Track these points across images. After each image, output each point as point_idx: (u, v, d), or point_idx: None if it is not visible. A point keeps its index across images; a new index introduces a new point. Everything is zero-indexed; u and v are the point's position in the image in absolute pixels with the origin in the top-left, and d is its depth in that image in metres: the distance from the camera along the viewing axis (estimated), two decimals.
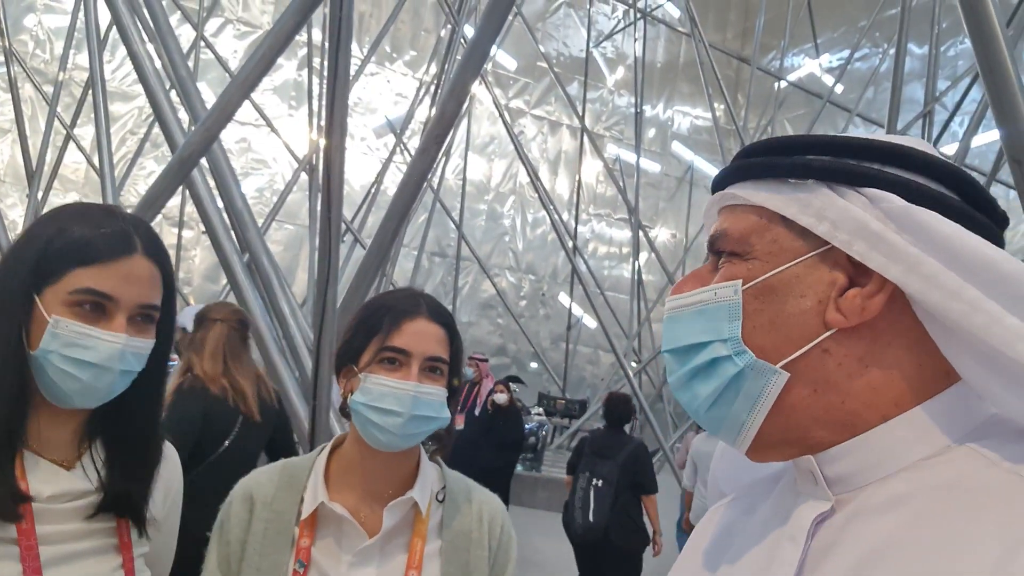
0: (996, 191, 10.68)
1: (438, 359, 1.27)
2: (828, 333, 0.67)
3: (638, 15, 16.85)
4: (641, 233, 15.54)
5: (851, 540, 0.63)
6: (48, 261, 1.03)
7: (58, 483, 1.07)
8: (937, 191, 0.66)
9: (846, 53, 20.27)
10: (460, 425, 8.45)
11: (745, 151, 0.77)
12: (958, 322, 0.61)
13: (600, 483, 5.09)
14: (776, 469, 0.83)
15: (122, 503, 1.12)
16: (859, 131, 22.07)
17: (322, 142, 2.76)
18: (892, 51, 7.80)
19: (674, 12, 22.36)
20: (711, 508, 0.89)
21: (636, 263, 15.45)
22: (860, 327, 0.66)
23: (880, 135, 0.73)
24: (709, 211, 0.80)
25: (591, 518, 5.01)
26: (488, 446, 8.19)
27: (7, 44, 12.55)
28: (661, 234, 23.88)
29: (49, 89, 15.17)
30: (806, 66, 23.76)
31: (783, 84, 17.91)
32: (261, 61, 3.02)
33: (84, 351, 1.02)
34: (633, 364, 15.46)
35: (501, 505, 1.40)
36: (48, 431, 1.09)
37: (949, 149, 11.30)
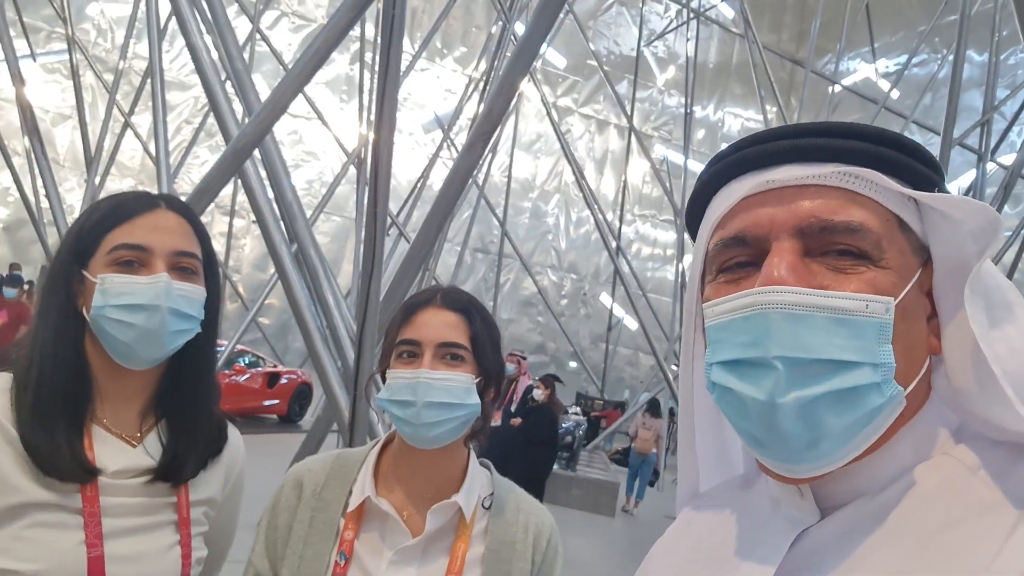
0: None
1: (451, 344, 1.23)
2: (928, 360, 0.63)
3: (691, 14, 16.66)
4: (686, 235, 15.36)
5: (835, 549, 0.62)
6: (85, 236, 1.14)
7: (123, 459, 1.14)
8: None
9: (903, 58, 19.82)
10: (497, 421, 8.45)
11: (863, 132, 0.63)
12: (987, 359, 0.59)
13: None
14: (746, 470, 0.81)
15: (170, 469, 1.17)
16: (915, 138, 21.49)
17: (371, 136, 2.80)
18: (951, 58, 7.62)
19: (728, 12, 22.10)
20: (682, 510, 0.85)
21: (680, 265, 15.31)
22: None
23: None
24: (785, 188, 0.64)
25: None
26: (519, 444, 8.19)
27: (70, 32, 12.90)
28: None
29: (109, 77, 15.57)
30: (861, 70, 23.28)
31: (837, 88, 17.57)
32: (315, 55, 3.08)
33: (131, 296, 1.10)
34: (673, 367, 15.33)
35: (551, 519, 1.36)
36: (115, 409, 1.17)
37: (1006, 159, 10.99)
